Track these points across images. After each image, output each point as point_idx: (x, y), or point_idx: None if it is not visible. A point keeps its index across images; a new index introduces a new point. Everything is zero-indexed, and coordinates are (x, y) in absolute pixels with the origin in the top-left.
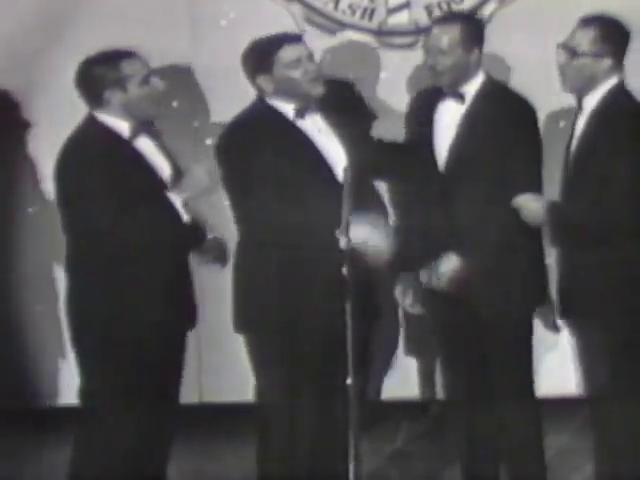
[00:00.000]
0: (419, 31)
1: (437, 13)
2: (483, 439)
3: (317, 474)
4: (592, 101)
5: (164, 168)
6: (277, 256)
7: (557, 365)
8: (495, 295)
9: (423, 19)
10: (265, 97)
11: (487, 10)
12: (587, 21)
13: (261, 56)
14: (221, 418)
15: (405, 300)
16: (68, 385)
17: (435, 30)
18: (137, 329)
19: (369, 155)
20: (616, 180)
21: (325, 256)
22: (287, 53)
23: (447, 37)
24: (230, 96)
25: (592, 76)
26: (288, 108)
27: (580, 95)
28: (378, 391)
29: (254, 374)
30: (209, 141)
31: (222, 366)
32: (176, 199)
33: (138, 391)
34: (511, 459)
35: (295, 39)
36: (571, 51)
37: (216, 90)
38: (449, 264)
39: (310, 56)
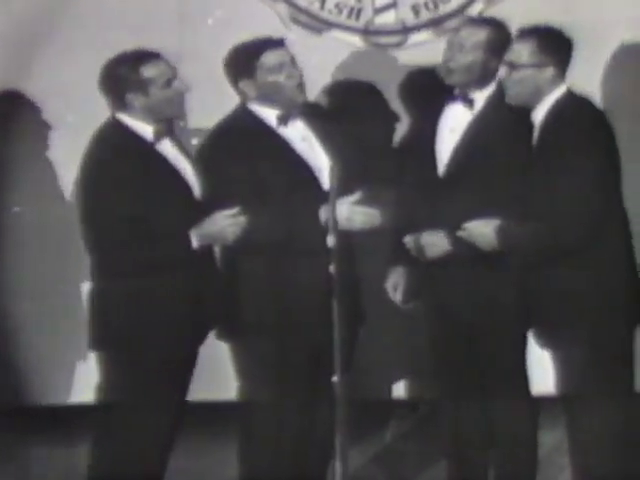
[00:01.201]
0: (406, 30)
1: (424, 13)
2: (472, 439)
3: (302, 474)
4: (540, 114)
5: (188, 171)
6: (262, 258)
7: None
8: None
9: (410, 19)
10: (247, 102)
11: (474, 10)
12: (525, 33)
13: (243, 61)
14: (204, 417)
15: (396, 295)
16: (84, 383)
17: (463, 30)
18: (157, 334)
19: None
20: (566, 197)
21: (311, 258)
22: (269, 58)
23: (473, 37)
24: (214, 98)
25: (536, 87)
26: (271, 114)
27: (528, 108)
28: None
29: (238, 373)
30: (195, 141)
31: (205, 364)
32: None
33: (158, 390)
34: (502, 459)
35: (277, 44)
36: (510, 64)
37: (200, 92)
38: (436, 239)
39: (293, 61)
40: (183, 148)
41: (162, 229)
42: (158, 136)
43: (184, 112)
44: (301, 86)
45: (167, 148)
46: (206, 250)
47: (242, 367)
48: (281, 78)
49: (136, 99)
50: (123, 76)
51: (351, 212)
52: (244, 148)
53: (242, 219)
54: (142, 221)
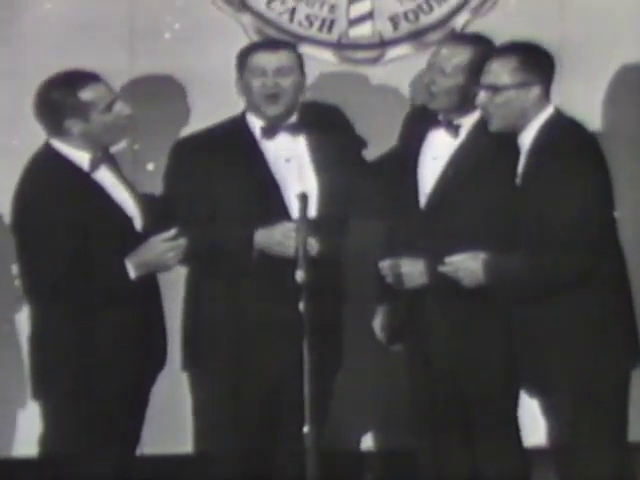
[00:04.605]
0: (383, 44)
1: (403, 25)
2: None
3: None
4: (527, 139)
5: (127, 201)
6: (226, 288)
7: None
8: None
9: (388, 31)
10: (245, 110)
11: (459, 21)
12: (503, 50)
13: (239, 57)
14: (160, 470)
15: (382, 336)
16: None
17: (444, 50)
18: (104, 378)
19: (347, 183)
20: (557, 228)
21: (279, 290)
22: (255, 59)
23: (455, 59)
24: (170, 116)
25: (522, 110)
26: (257, 125)
27: (513, 133)
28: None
29: (195, 417)
30: (150, 166)
31: (161, 415)
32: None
33: (104, 439)
34: None
35: (271, 47)
36: (491, 87)
37: (158, 108)
38: (416, 269)
39: (278, 71)
40: (122, 176)
41: (99, 264)
42: (95, 164)
43: (124, 137)
44: (274, 99)
45: (104, 176)
46: (149, 280)
47: (201, 407)
48: (257, 83)
49: (74, 125)
50: (60, 101)
51: (286, 237)
52: (222, 160)
53: (182, 242)
54: (78, 257)
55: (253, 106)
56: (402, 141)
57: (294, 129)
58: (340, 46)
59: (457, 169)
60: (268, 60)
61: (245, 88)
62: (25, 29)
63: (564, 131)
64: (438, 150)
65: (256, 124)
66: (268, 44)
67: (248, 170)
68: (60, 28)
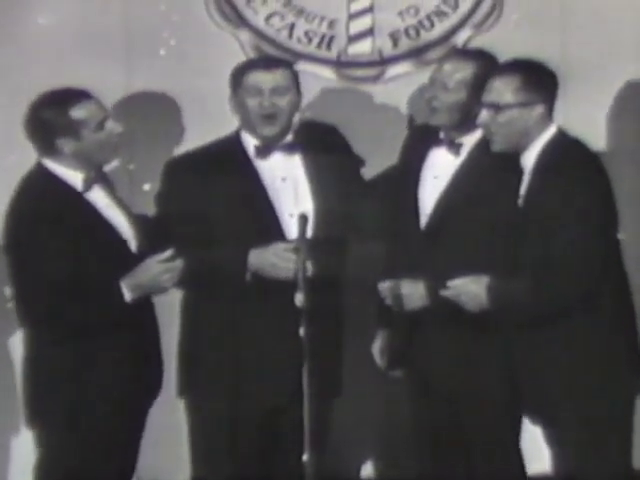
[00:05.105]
0: (383, 62)
1: (404, 41)
2: None
3: None
4: (530, 159)
5: (121, 222)
6: (222, 312)
7: None
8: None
9: (388, 48)
10: (239, 128)
11: (460, 38)
12: (505, 68)
13: (233, 75)
14: None
15: (382, 361)
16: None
17: (446, 65)
18: (100, 405)
19: (345, 204)
20: (561, 250)
21: (277, 314)
22: (251, 78)
23: (458, 74)
24: (170, 132)
25: (525, 129)
26: (252, 144)
27: (515, 152)
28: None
29: (192, 444)
30: (147, 186)
31: (157, 442)
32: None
33: (100, 468)
34: None
35: (267, 66)
36: (493, 106)
37: (155, 126)
38: (416, 290)
39: (274, 91)
40: (116, 196)
41: (94, 286)
42: (88, 184)
43: (117, 156)
44: (271, 119)
45: (98, 197)
46: (144, 303)
47: (193, 431)
48: (253, 102)
49: (66, 144)
50: (50, 120)
51: (279, 258)
52: (217, 180)
53: (178, 263)
54: (71, 280)
55: (248, 125)
56: (402, 159)
57: (289, 148)
58: (339, 64)
59: (458, 189)
60: (264, 79)
61: (240, 107)
62: (20, 45)
63: (567, 151)
64: (439, 169)
65: (250, 143)
66: (264, 62)
67: (242, 190)
68: (55, 44)
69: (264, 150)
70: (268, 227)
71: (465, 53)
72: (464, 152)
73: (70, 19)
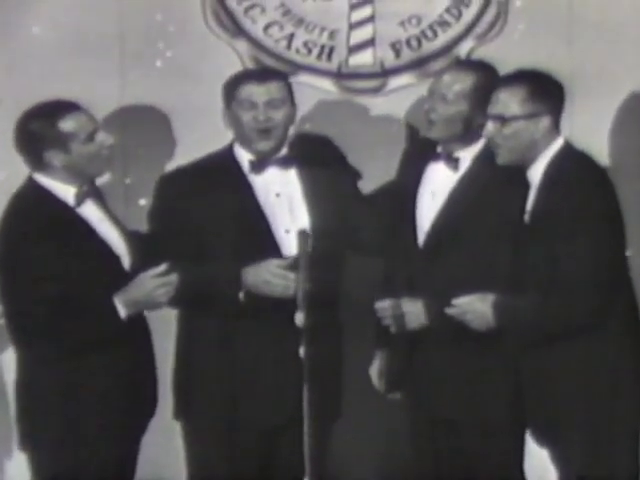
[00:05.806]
0: (385, 73)
1: (405, 52)
2: None
3: None
4: (537, 173)
5: (114, 237)
6: (218, 330)
7: None
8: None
9: (389, 59)
10: (233, 141)
11: (463, 49)
12: (511, 79)
13: (226, 87)
14: None
15: (380, 383)
16: None
17: (446, 76)
18: (94, 425)
19: (341, 219)
20: (567, 267)
21: (275, 333)
22: (244, 91)
23: (458, 85)
24: (165, 146)
25: (532, 142)
26: (246, 158)
27: (521, 166)
28: None
29: (189, 468)
30: (143, 201)
31: (152, 465)
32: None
33: None
34: None
35: (261, 79)
36: (499, 118)
37: (150, 139)
38: (417, 309)
39: (269, 104)
40: (109, 210)
41: (87, 303)
42: (80, 198)
43: (108, 168)
44: (266, 134)
45: (91, 211)
46: (138, 321)
47: (190, 454)
48: (247, 117)
49: (55, 157)
50: (39, 132)
51: (273, 275)
52: (212, 194)
53: (173, 278)
54: (64, 298)
55: (243, 139)
56: (400, 174)
57: (284, 162)
58: (340, 75)
59: (456, 206)
60: (258, 92)
61: (234, 121)
62: (13, 55)
63: (575, 166)
64: (437, 185)
65: (245, 157)
66: (257, 75)
67: (236, 205)
68: (49, 54)
69: (259, 165)
70: (263, 243)
71: (465, 64)
72: (463, 166)
73: (65, 29)
